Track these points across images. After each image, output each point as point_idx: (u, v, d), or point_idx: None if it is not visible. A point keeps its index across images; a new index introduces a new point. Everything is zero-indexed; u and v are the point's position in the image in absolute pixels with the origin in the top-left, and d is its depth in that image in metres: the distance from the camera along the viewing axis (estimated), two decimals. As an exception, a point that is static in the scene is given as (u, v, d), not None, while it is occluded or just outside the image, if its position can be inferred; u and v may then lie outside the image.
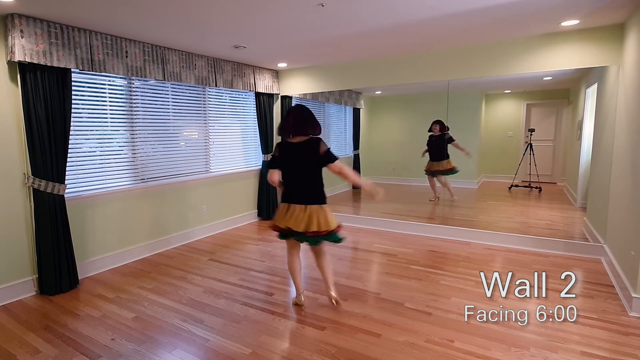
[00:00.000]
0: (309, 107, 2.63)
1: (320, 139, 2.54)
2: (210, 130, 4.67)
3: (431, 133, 5.34)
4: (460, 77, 4.09)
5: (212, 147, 4.71)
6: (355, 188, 6.62)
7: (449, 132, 5.22)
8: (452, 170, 5.31)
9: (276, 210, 2.66)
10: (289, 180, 2.59)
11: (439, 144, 5.33)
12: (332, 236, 2.52)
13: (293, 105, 2.61)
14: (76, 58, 3.01)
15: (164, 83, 4.05)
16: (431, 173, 5.46)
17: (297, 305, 2.72)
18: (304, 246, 2.73)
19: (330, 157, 2.48)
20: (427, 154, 5.46)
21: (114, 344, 2.28)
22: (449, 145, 5.29)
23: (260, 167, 5.47)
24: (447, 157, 5.32)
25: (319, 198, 2.54)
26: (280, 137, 2.65)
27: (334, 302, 2.64)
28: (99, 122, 3.49)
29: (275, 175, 2.62)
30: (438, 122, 5.24)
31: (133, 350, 2.22)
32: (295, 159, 2.53)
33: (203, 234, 4.60)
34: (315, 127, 2.55)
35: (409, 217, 5.04)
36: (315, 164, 2.51)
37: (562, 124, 5.61)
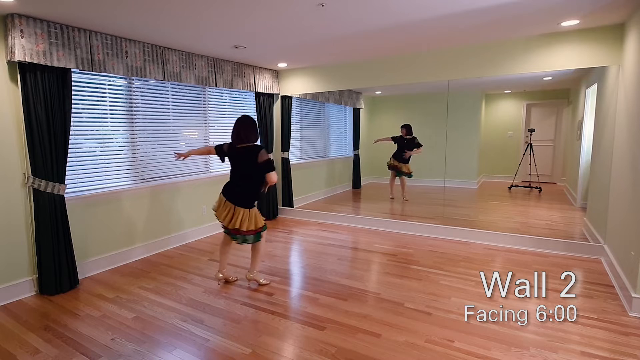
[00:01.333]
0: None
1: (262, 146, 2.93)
2: (210, 130, 4.67)
3: (400, 135, 5.61)
4: (460, 77, 4.09)
5: (212, 147, 4.71)
6: (356, 188, 6.63)
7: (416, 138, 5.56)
8: (409, 174, 5.70)
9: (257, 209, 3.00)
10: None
11: (407, 147, 5.60)
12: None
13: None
14: (76, 58, 3.01)
15: (164, 83, 4.05)
16: (395, 170, 5.75)
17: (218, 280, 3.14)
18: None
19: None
20: (390, 145, 5.72)
21: (114, 344, 2.28)
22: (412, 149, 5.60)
23: (260, 167, 5.47)
24: (408, 160, 5.68)
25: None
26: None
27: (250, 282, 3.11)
28: (99, 122, 3.49)
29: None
30: (405, 127, 5.58)
31: (133, 350, 2.22)
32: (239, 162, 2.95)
33: (203, 234, 4.60)
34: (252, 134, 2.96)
35: (409, 217, 5.04)
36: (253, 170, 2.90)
37: (562, 124, 5.61)
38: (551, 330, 2.34)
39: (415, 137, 5.54)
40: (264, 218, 3.02)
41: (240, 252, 4.01)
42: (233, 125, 2.95)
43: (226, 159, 3.05)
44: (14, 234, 2.92)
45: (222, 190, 2.98)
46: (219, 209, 2.94)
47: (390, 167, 5.79)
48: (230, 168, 3.02)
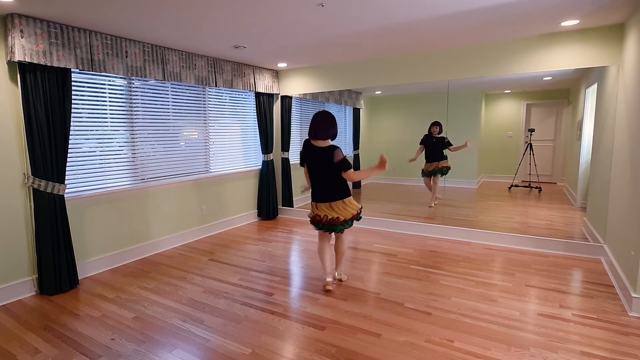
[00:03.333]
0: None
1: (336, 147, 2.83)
2: (210, 130, 4.67)
3: (429, 134, 5.38)
4: (460, 77, 4.09)
5: (212, 147, 4.72)
6: (356, 188, 6.62)
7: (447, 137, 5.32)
8: (447, 168, 5.37)
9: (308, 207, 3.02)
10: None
11: (437, 146, 5.37)
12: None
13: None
14: (76, 58, 3.01)
15: (164, 83, 4.05)
16: (428, 174, 5.50)
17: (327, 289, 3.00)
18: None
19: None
20: (422, 155, 5.50)
21: (114, 344, 2.28)
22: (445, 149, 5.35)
23: (260, 167, 5.47)
24: (445, 157, 5.37)
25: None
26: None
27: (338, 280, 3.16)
28: (99, 122, 3.49)
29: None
30: (438, 124, 5.28)
31: (133, 350, 2.22)
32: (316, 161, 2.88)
33: (203, 234, 4.60)
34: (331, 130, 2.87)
35: (409, 217, 5.04)
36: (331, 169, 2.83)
37: (562, 124, 5.61)
38: (551, 330, 2.34)
39: (445, 137, 5.31)
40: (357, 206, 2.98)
41: (242, 252, 4.02)
42: (311, 121, 2.87)
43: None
44: (14, 234, 2.92)
45: (312, 198, 2.98)
46: (315, 215, 2.93)
47: (425, 173, 5.55)
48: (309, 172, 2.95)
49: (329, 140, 2.87)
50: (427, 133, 5.41)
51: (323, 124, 2.81)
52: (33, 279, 3.04)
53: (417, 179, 5.86)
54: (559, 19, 3.08)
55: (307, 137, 2.90)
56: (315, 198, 2.92)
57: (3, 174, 2.84)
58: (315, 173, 2.87)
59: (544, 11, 2.87)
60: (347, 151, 6.60)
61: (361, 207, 2.99)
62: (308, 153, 2.88)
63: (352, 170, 2.76)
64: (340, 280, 3.17)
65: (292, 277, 3.31)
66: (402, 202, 5.90)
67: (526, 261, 3.56)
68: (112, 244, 3.62)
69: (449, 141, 5.30)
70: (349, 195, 2.93)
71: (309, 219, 3.07)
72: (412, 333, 2.34)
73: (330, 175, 2.82)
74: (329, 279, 2.99)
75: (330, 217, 2.85)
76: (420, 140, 5.53)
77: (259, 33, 3.35)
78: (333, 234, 3.17)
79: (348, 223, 2.89)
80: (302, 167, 3.02)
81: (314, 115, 2.86)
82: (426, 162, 5.51)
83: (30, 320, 2.60)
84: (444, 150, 5.35)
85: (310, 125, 2.85)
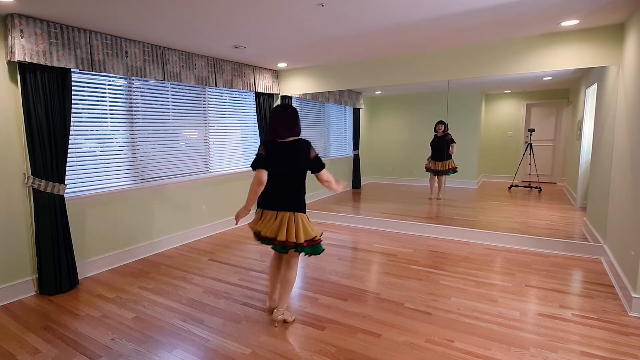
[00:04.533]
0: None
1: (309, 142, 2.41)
2: (210, 130, 4.67)
3: (435, 133, 5.41)
4: (460, 77, 4.09)
5: (212, 147, 4.72)
6: (356, 188, 6.63)
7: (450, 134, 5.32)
8: (453, 170, 5.38)
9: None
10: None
11: (441, 144, 5.39)
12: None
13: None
14: (76, 58, 3.01)
15: (164, 83, 4.05)
16: (433, 171, 5.53)
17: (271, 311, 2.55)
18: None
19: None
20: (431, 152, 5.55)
21: (114, 344, 2.28)
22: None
23: (260, 167, 5.47)
24: (449, 157, 5.39)
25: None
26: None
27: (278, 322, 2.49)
28: (99, 122, 3.49)
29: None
30: (442, 123, 5.31)
31: (133, 350, 2.22)
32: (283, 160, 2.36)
33: (203, 234, 4.60)
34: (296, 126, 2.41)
35: (409, 217, 5.04)
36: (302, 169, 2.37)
37: (562, 124, 5.61)
38: (551, 330, 2.34)
39: (448, 133, 5.39)
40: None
41: (242, 252, 4.01)
42: (271, 118, 2.40)
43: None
44: (14, 234, 2.92)
45: (259, 203, 2.45)
46: (257, 224, 2.41)
47: (428, 169, 5.60)
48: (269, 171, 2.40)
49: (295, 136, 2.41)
50: (434, 133, 5.45)
51: (287, 120, 2.35)
52: (33, 279, 3.04)
53: (417, 179, 5.86)
54: (558, 19, 3.08)
55: (266, 139, 2.44)
56: (271, 204, 2.37)
57: (3, 174, 2.84)
58: (278, 175, 2.35)
59: (544, 11, 2.87)
60: (347, 151, 6.61)
61: (321, 233, 2.46)
62: (272, 152, 2.34)
63: (325, 170, 2.37)
64: (285, 321, 2.48)
65: (292, 277, 3.30)
66: (402, 202, 5.91)
67: (526, 261, 3.56)
68: (112, 244, 3.62)
69: (451, 138, 5.33)
70: (305, 211, 2.41)
71: (253, 230, 2.45)
72: (412, 333, 2.34)
73: (296, 178, 2.35)
74: (277, 314, 2.45)
75: (275, 233, 2.30)
76: (430, 143, 5.57)
77: (259, 33, 3.35)
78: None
79: (304, 248, 2.31)
80: (259, 170, 2.35)
81: (273, 110, 2.40)
82: (430, 159, 5.54)
83: (30, 320, 2.60)
84: (448, 147, 5.40)
85: (270, 123, 2.37)
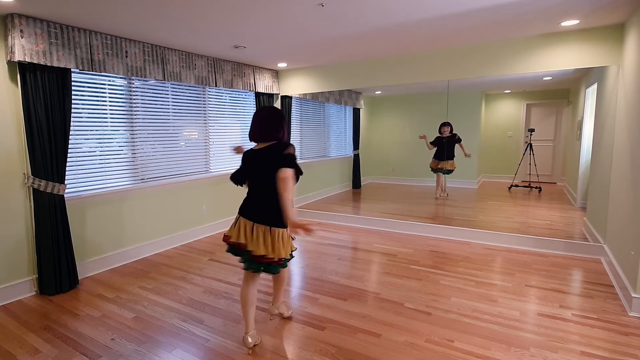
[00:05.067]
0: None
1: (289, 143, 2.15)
2: (210, 130, 4.67)
3: (440, 135, 5.44)
4: (460, 77, 4.09)
5: (212, 147, 4.72)
6: (356, 188, 6.63)
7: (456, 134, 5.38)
8: (451, 170, 5.45)
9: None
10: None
11: (448, 145, 5.45)
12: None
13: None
14: (76, 58, 3.01)
15: (164, 83, 4.05)
16: (440, 171, 5.57)
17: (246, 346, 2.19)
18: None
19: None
20: (434, 149, 5.59)
21: (114, 344, 2.28)
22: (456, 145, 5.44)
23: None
24: (453, 157, 5.47)
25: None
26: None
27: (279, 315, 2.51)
28: (99, 122, 3.49)
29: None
30: (448, 124, 5.36)
31: (133, 350, 2.22)
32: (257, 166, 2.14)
33: (203, 234, 4.60)
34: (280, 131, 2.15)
35: (409, 217, 5.04)
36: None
37: (562, 124, 5.61)
38: (551, 330, 2.34)
39: (455, 134, 5.43)
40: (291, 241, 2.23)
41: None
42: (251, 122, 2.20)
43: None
44: (14, 234, 2.92)
45: (239, 210, 2.17)
46: (231, 230, 2.14)
47: (433, 170, 5.64)
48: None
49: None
50: (438, 135, 5.46)
51: (268, 122, 2.11)
52: (33, 279, 3.04)
53: (417, 179, 5.86)
54: (559, 18, 3.08)
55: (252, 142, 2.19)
56: (246, 211, 2.10)
57: (3, 174, 2.84)
58: (257, 183, 2.13)
59: (544, 11, 2.87)
60: (347, 151, 6.61)
61: (295, 249, 2.26)
62: (248, 159, 2.15)
63: (292, 172, 1.98)
64: (281, 315, 2.51)
65: (292, 277, 3.31)
66: (402, 202, 5.91)
67: (526, 261, 3.56)
68: (112, 244, 3.62)
69: (459, 137, 5.37)
70: (285, 227, 2.11)
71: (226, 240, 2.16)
72: (412, 333, 2.34)
73: (271, 185, 2.03)
74: (250, 339, 2.15)
75: (246, 245, 2.05)
76: (431, 141, 5.59)
77: (259, 33, 3.35)
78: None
79: (274, 266, 2.09)
80: (242, 186, 2.21)
81: (255, 112, 2.18)
82: (434, 158, 5.56)
83: (30, 320, 2.60)
84: (454, 148, 5.41)
85: (250, 126, 2.16)
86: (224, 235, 2.16)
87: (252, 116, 2.18)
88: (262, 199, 2.09)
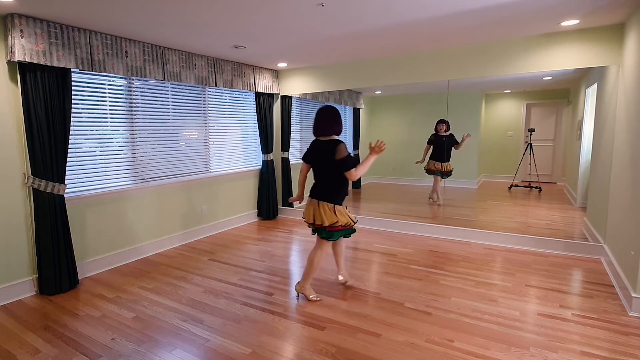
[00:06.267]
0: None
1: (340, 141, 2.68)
2: (210, 130, 4.67)
3: (436, 133, 5.31)
4: (460, 77, 4.09)
5: (212, 147, 4.72)
6: (356, 188, 6.63)
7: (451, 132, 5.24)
8: (450, 172, 5.31)
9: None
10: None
11: (446, 144, 5.31)
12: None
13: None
14: (76, 58, 3.01)
15: (164, 83, 4.05)
16: (437, 173, 5.44)
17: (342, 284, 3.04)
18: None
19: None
20: (428, 154, 5.45)
21: (114, 344, 2.28)
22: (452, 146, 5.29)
23: (260, 167, 5.47)
24: (449, 159, 5.32)
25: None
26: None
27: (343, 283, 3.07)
28: (99, 122, 3.49)
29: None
30: (444, 122, 5.21)
31: (133, 350, 2.22)
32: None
33: (203, 234, 4.60)
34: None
35: (409, 217, 5.04)
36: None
37: (562, 124, 5.61)
38: (551, 330, 2.34)
39: (452, 134, 5.24)
40: (348, 216, 2.73)
41: (242, 252, 4.02)
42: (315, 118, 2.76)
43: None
44: (14, 234, 2.92)
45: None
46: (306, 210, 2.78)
47: (429, 172, 5.44)
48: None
49: (334, 135, 2.71)
50: (434, 132, 5.35)
51: (325, 120, 2.69)
52: (33, 279, 3.04)
53: (417, 179, 5.85)
54: (558, 19, 3.08)
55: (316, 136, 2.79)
56: (312, 193, 2.76)
57: (3, 174, 2.84)
58: (316, 169, 2.75)
59: (544, 11, 2.87)
60: (348, 150, 6.59)
61: (354, 220, 2.77)
62: (312, 150, 2.77)
63: (354, 169, 2.57)
64: (344, 282, 3.07)
65: (292, 277, 3.31)
66: (402, 202, 5.91)
67: (526, 261, 3.56)
68: (112, 244, 3.62)
69: (456, 139, 5.25)
70: (339, 203, 2.71)
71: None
72: (412, 333, 2.34)
73: (328, 173, 2.67)
74: (340, 277, 3.04)
75: (313, 217, 2.69)
76: (427, 140, 5.45)
77: (259, 33, 3.35)
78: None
79: (332, 233, 2.67)
80: (301, 167, 2.90)
81: (317, 111, 2.75)
82: (431, 159, 5.45)
83: (30, 320, 2.60)
84: (451, 149, 5.30)
85: (314, 122, 2.75)
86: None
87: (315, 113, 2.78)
88: (319, 182, 2.73)
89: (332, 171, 2.64)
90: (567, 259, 3.60)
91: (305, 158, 2.84)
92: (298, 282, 2.89)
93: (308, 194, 2.82)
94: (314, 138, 2.79)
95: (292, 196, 5.69)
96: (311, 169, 2.85)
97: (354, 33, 3.39)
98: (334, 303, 2.76)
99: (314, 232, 2.78)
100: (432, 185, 5.56)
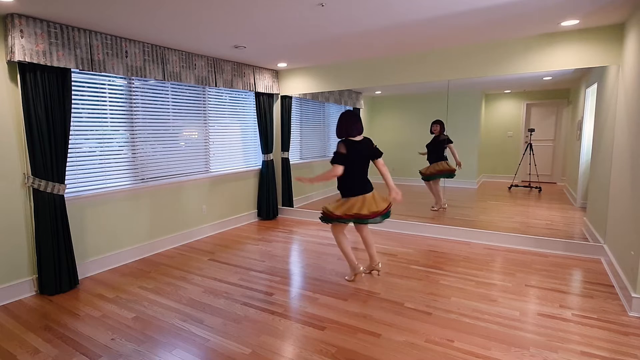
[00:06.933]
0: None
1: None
2: (210, 130, 4.67)
3: (434, 136, 5.25)
4: (460, 77, 4.09)
5: (212, 147, 4.72)
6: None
7: (446, 134, 5.16)
8: (449, 173, 5.18)
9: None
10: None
11: (440, 146, 5.25)
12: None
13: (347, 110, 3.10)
14: (76, 58, 3.01)
15: (164, 83, 4.05)
16: (427, 177, 5.33)
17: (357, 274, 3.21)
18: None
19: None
20: (426, 155, 5.42)
21: (114, 344, 2.28)
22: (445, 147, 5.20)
23: (260, 167, 5.47)
24: (445, 158, 5.24)
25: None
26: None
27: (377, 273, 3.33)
28: (99, 122, 3.49)
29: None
30: (438, 123, 5.17)
31: (133, 350, 2.22)
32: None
33: (203, 234, 4.60)
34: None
35: (409, 217, 5.04)
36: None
37: (562, 124, 5.61)
38: (551, 330, 2.34)
39: (444, 134, 5.12)
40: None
41: (242, 252, 4.02)
42: (342, 121, 3.01)
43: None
44: (14, 234, 2.92)
45: (343, 193, 3.06)
46: (340, 208, 3.00)
47: (427, 177, 5.32)
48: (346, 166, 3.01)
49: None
50: (431, 133, 5.29)
51: (356, 121, 3.00)
52: (33, 279, 3.04)
53: (417, 179, 5.85)
54: (559, 19, 3.08)
55: (342, 138, 3.01)
56: (356, 191, 3.00)
57: (3, 174, 2.84)
58: (358, 167, 3.00)
59: (544, 11, 2.87)
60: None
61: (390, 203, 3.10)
62: (353, 149, 2.96)
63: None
64: (371, 270, 3.32)
65: (292, 277, 3.31)
66: (402, 201, 5.90)
67: (526, 261, 3.56)
68: (112, 244, 3.62)
69: (448, 138, 5.17)
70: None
71: (331, 215, 3.01)
72: (412, 333, 2.34)
73: (366, 167, 3.05)
74: (361, 268, 3.20)
75: (363, 209, 2.97)
76: (426, 144, 5.38)
77: (259, 33, 3.35)
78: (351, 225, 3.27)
79: (389, 212, 3.10)
80: (338, 166, 2.99)
81: (343, 115, 3.02)
82: (429, 161, 5.40)
83: (30, 320, 2.60)
84: (444, 149, 5.24)
85: (342, 125, 2.99)
86: (331, 212, 3.01)
87: (340, 116, 3.04)
88: (362, 177, 3.04)
89: (367, 164, 3.04)
90: (567, 259, 3.60)
91: (344, 159, 2.95)
92: (368, 265, 3.30)
93: (341, 192, 3.07)
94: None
95: (292, 196, 5.68)
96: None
97: (354, 33, 3.39)
98: (334, 303, 2.77)
99: (357, 222, 3.06)
100: (431, 193, 5.45)
